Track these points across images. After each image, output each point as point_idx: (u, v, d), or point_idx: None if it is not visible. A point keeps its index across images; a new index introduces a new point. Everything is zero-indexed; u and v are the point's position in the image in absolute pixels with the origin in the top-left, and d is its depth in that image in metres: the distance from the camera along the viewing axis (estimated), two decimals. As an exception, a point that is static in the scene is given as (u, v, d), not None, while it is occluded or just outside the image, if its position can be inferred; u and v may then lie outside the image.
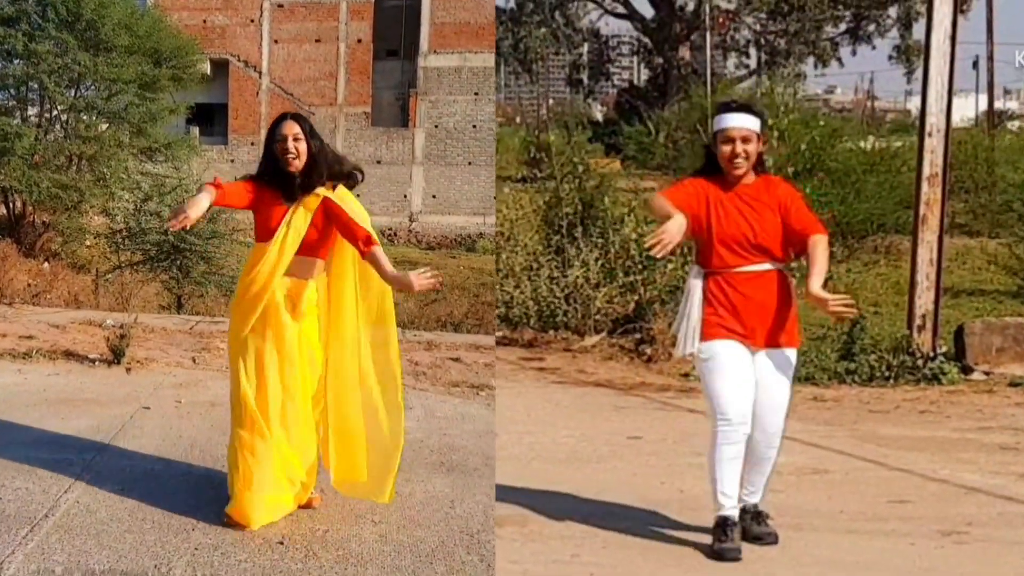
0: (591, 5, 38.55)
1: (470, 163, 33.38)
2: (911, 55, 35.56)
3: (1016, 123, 12.10)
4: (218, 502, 4.50)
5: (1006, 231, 12.65)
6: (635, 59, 44.15)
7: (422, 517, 4.60)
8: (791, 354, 4.20)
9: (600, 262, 9.03)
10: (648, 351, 8.34)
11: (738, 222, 4.14)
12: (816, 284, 4.03)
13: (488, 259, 25.76)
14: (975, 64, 41.33)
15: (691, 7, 37.28)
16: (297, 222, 4.40)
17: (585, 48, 40.35)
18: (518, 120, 49.47)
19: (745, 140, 4.14)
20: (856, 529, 4.38)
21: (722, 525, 4.15)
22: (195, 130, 26.52)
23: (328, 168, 4.44)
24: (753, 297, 4.13)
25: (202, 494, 4.77)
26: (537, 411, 6.92)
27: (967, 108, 42.13)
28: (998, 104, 33.62)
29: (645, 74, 41.37)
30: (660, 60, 38.26)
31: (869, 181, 15.84)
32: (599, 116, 42.61)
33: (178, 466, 5.23)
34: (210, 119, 30.82)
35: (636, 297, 8.80)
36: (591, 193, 9.65)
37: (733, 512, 4.16)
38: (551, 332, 8.99)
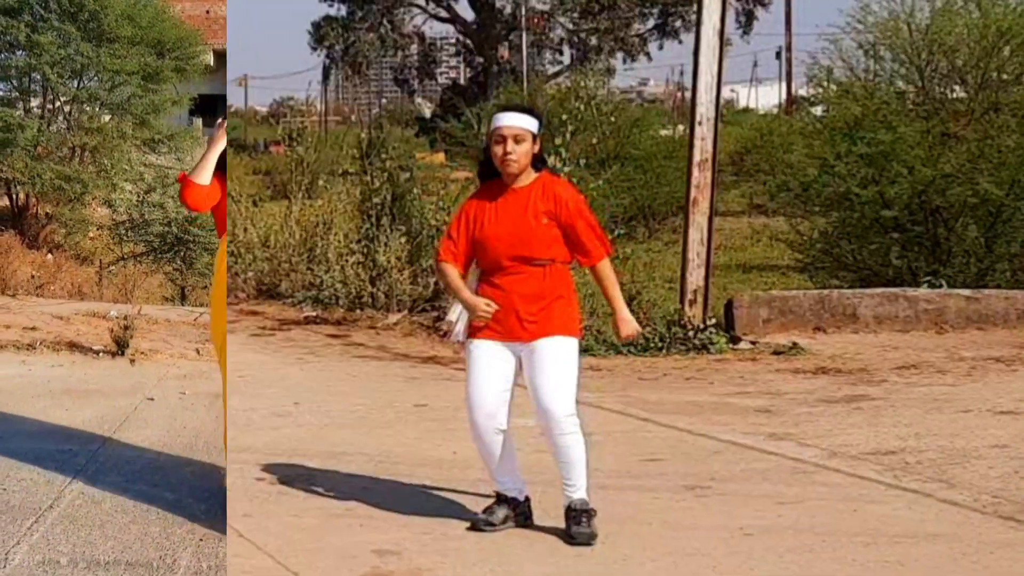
0: (415, 9, 40.84)
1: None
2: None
3: (819, 108, 12.41)
4: (222, 493, 4.50)
5: (792, 209, 12.93)
6: (459, 59, 47.77)
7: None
8: (566, 341, 4.09)
9: (407, 248, 9.91)
10: (443, 327, 8.68)
11: (503, 231, 4.08)
12: (624, 313, 4.18)
13: None
14: (778, 54, 43.97)
15: (508, 9, 39.89)
16: None
17: (413, 49, 42.97)
18: (353, 119, 53.75)
19: (517, 140, 4.06)
20: (608, 485, 4.49)
21: (494, 500, 4.24)
22: (198, 121, 26.43)
23: None
24: (516, 291, 4.07)
25: (207, 485, 4.77)
26: (337, 383, 7.19)
27: (772, 96, 47.58)
28: (802, 92, 34.71)
29: (469, 72, 44.22)
30: (481, 59, 40.76)
31: (669, 167, 17.17)
32: (427, 113, 45.08)
33: (182, 457, 5.24)
34: (213, 110, 30.83)
35: (435, 280, 9.29)
36: (402, 185, 10.39)
37: (505, 491, 4.20)
38: (359, 311, 9.71)
